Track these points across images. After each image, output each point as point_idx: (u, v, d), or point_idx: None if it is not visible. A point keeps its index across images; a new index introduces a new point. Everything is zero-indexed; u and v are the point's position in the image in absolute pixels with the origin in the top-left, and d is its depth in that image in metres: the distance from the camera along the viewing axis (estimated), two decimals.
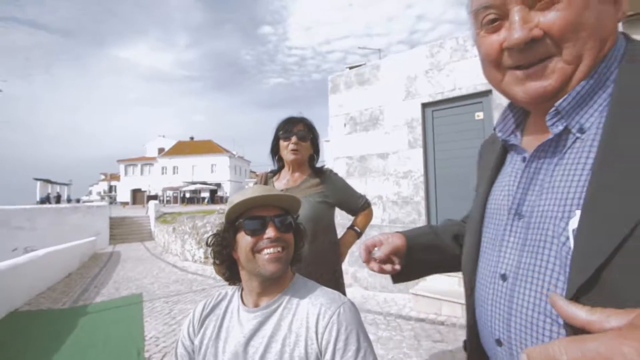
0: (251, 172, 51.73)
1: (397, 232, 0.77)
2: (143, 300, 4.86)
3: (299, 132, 1.47)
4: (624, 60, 0.45)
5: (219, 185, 40.11)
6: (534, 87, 0.47)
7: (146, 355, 2.99)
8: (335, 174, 1.61)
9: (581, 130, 0.45)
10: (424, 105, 4.28)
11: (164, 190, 38.90)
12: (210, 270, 7.21)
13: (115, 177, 48.58)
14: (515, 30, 0.45)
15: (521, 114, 0.57)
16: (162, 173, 42.70)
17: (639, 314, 0.29)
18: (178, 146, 45.39)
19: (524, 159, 0.52)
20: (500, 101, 3.63)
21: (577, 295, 0.38)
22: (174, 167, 42.78)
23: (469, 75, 3.86)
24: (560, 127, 0.46)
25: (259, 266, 0.82)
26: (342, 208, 1.58)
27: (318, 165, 1.58)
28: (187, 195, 38.47)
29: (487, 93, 3.77)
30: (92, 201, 22.77)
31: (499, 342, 0.51)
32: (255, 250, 0.82)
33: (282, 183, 1.52)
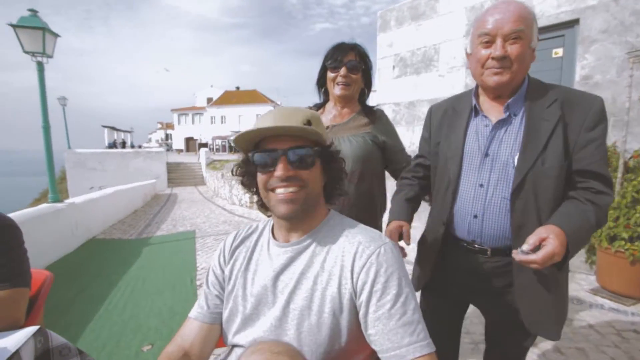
0: None
1: (400, 221, 1.09)
2: (196, 237, 5.33)
3: (350, 62, 1.27)
4: (526, 80, 0.97)
5: None
6: (499, 79, 0.92)
7: (197, 283, 3.31)
8: (387, 118, 1.42)
9: (515, 114, 0.95)
10: None
11: (214, 138, 40.85)
12: (255, 213, 7.64)
13: (170, 125, 51.77)
14: (497, 50, 0.90)
15: (475, 100, 1.04)
16: (211, 122, 44.52)
17: (550, 237, 0.78)
18: (225, 96, 46.37)
19: (486, 125, 0.99)
20: (588, 33, 2.99)
21: (517, 189, 0.90)
22: (221, 117, 44.25)
23: (549, 1, 3.18)
24: (508, 113, 0.96)
25: (272, 206, 0.74)
26: (385, 159, 1.39)
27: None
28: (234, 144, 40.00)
29: (572, 23, 3.11)
30: (151, 148, 24.74)
31: (475, 217, 0.98)
32: (268, 188, 0.73)
33: (327, 118, 1.36)
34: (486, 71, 0.93)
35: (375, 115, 1.35)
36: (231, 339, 0.78)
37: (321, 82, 1.37)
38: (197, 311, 0.84)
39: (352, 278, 0.69)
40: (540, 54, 3.35)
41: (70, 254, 4.40)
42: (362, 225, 0.79)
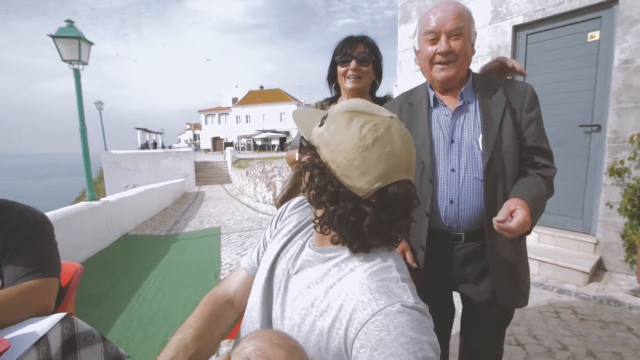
0: None
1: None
2: (221, 233, 5.50)
3: (360, 55, 1.26)
4: (470, 74, 1.10)
5: (287, 133, 41.47)
6: (446, 74, 1.02)
7: (221, 277, 3.41)
8: None
9: (469, 102, 1.05)
10: (516, 28, 3.50)
11: (239, 138, 41.81)
12: None
13: (198, 126, 53.61)
14: (442, 45, 1.00)
15: (432, 91, 1.12)
16: (237, 122, 45.62)
17: (517, 208, 0.87)
18: (249, 96, 47.29)
19: (446, 114, 1.06)
20: (629, 13, 2.75)
21: (487, 167, 0.98)
22: (246, 116, 45.22)
23: None
24: (462, 101, 1.05)
25: None
26: None
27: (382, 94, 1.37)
28: (259, 143, 40.81)
29: (610, 4, 2.88)
30: (180, 148, 25.76)
31: (451, 202, 1.02)
32: None
33: None
34: (434, 67, 1.03)
35: (388, 100, 1.33)
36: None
37: (332, 77, 1.37)
38: (247, 262, 0.83)
39: (346, 330, 0.54)
40: (574, 39, 3.14)
41: (105, 249, 4.68)
42: (388, 267, 0.60)
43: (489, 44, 3.67)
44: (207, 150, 43.74)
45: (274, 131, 40.93)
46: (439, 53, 1.00)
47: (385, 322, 0.50)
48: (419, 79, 1.38)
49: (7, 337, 0.74)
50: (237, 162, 15.52)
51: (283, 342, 0.57)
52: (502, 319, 1.14)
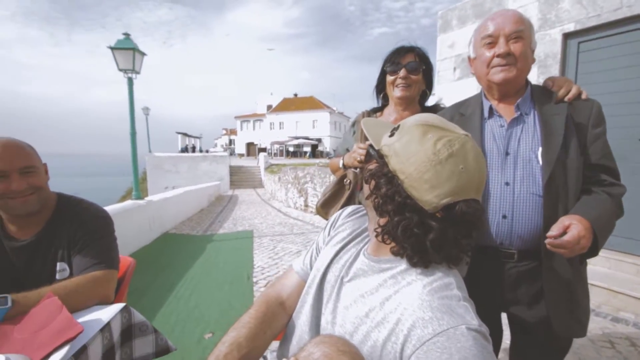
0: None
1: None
2: (253, 236, 5.64)
3: (409, 64, 1.25)
4: (528, 84, 1.05)
5: (319, 140, 41.88)
6: (505, 75, 0.97)
7: (254, 279, 3.50)
8: None
9: (526, 113, 1.01)
10: (567, 36, 3.32)
11: (272, 144, 42.84)
12: (309, 217, 7.81)
13: (233, 131, 55.68)
14: (500, 47, 0.96)
15: (487, 101, 1.08)
16: (270, 128, 46.80)
17: (572, 223, 0.81)
18: (283, 103, 48.42)
19: (501, 125, 1.02)
20: None
21: (548, 183, 0.91)
22: (280, 123, 46.28)
23: None
24: (519, 112, 1.01)
25: None
26: None
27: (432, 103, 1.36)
28: (291, 149, 41.54)
29: None
30: (217, 152, 26.88)
31: (504, 217, 0.96)
32: None
33: (388, 121, 1.34)
34: (492, 69, 0.98)
35: (438, 110, 1.31)
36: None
37: (380, 87, 1.38)
38: (300, 266, 0.84)
39: (403, 343, 0.52)
40: (632, 46, 2.92)
41: (147, 245, 4.97)
42: (450, 294, 0.56)
43: (537, 53, 3.50)
44: (241, 155, 45.24)
45: (307, 138, 41.49)
46: (498, 55, 0.96)
47: (448, 344, 0.48)
48: (457, 88, 1.36)
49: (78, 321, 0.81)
50: (269, 168, 15.90)
51: (348, 349, 0.57)
52: (560, 347, 1.04)
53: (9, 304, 0.81)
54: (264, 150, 37.88)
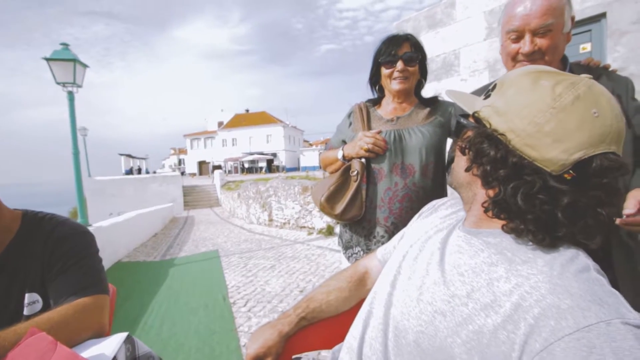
0: (304, 141, 52.41)
1: None
2: (220, 256, 5.29)
3: (406, 54, 1.21)
4: (567, 63, 0.99)
5: (274, 154, 41.52)
6: None
7: (230, 300, 3.23)
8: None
9: None
10: None
11: (226, 161, 41.50)
12: (275, 231, 7.57)
13: (182, 151, 53.00)
14: (526, 46, 0.90)
15: None
16: (223, 145, 45.43)
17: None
18: (235, 119, 47.45)
19: None
20: (617, 26, 2.95)
21: None
22: (232, 139, 45.15)
23: None
24: None
25: None
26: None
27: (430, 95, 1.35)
28: (246, 165, 40.58)
29: (598, 18, 3.08)
30: (165, 173, 25.29)
31: None
32: None
33: (387, 111, 1.31)
34: (517, 64, 0.94)
35: (437, 102, 1.31)
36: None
37: (374, 80, 1.34)
38: (382, 253, 0.87)
39: (527, 335, 0.41)
40: (569, 50, 3.32)
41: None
42: (590, 276, 0.44)
43: (486, 58, 3.83)
44: (192, 175, 43.05)
45: (261, 153, 40.94)
46: (522, 53, 0.91)
47: (599, 343, 0.36)
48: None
49: None
50: (226, 185, 15.29)
51: None
52: None
53: None
54: (218, 167, 36.54)
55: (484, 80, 3.85)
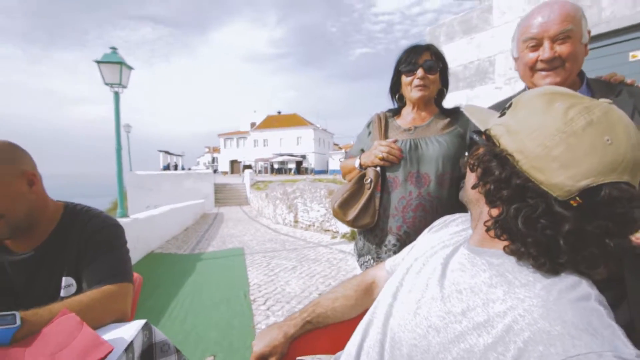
0: (334, 144, 52.56)
1: None
2: (245, 253, 5.45)
3: (426, 63, 1.22)
4: (584, 77, 0.97)
5: (304, 156, 42.03)
6: (552, 80, 0.90)
7: (251, 297, 3.33)
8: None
9: None
10: None
11: (256, 161, 42.62)
12: (300, 232, 7.67)
13: (216, 149, 55.11)
14: (545, 52, 0.88)
15: None
16: (254, 145, 46.68)
17: None
18: (267, 120, 48.61)
19: None
20: None
21: None
22: (264, 140, 46.27)
23: (622, 1, 2.96)
24: None
25: None
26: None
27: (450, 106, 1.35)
28: (276, 166, 41.41)
29: None
30: (199, 170, 26.44)
31: None
32: None
33: (406, 121, 1.32)
34: (536, 74, 0.92)
35: (458, 113, 1.29)
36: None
37: (395, 88, 1.36)
38: (391, 264, 0.87)
39: (516, 358, 0.41)
40: (616, 58, 3.09)
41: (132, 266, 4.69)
42: (587, 305, 0.43)
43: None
44: (224, 173, 44.63)
45: (291, 155, 41.58)
46: (542, 60, 0.89)
47: None
48: (449, 100, 1.35)
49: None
50: (255, 184, 15.68)
51: None
52: None
53: (18, 322, 0.69)
54: (249, 167, 37.58)
55: (519, 88, 3.68)
